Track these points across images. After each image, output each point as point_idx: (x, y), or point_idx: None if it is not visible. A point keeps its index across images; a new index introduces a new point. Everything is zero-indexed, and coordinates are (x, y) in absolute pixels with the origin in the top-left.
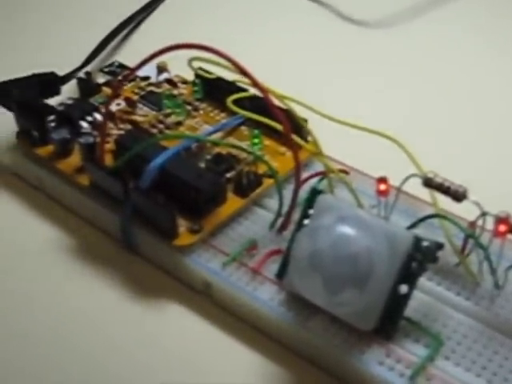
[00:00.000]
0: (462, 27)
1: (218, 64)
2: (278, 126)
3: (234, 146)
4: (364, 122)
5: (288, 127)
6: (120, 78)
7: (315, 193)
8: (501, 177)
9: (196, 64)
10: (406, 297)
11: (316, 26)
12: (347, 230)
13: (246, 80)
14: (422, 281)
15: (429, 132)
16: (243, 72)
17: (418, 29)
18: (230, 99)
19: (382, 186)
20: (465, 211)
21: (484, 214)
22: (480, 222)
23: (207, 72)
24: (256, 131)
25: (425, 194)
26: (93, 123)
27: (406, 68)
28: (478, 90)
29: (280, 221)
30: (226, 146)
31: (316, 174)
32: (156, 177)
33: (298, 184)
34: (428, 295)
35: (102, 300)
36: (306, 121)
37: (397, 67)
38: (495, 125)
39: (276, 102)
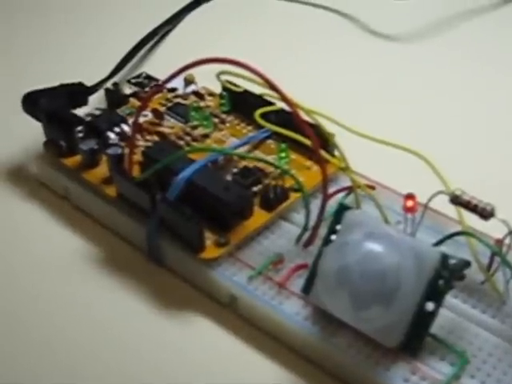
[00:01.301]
0: (492, 40)
1: (246, 78)
2: (306, 141)
3: (260, 160)
4: (391, 137)
5: (317, 142)
6: (149, 90)
7: (343, 208)
8: None
9: (224, 77)
10: (433, 314)
11: (344, 39)
12: (375, 246)
13: (273, 94)
14: (448, 298)
15: (457, 148)
16: (272, 86)
17: (448, 42)
18: (257, 113)
19: (410, 203)
20: (492, 229)
21: (511, 233)
22: (507, 240)
23: (234, 85)
24: (283, 145)
25: (450, 211)
26: (120, 134)
27: (434, 83)
28: (509, 106)
29: (306, 235)
30: (252, 160)
31: (343, 189)
32: (183, 189)
33: (325, 198)
34: (454, 312)
35: (128, 312)
36: (333, 135)
37: (425, 82)
38: None
39: (303, 116)
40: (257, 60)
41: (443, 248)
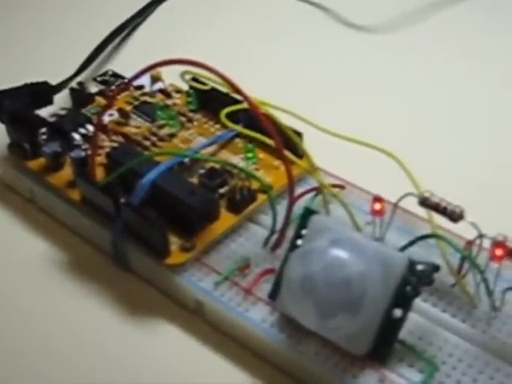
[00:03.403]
0: (466, 32)
1: (209, 79)
2: (271, 141)
3: (223, 163)
4: (362, 135)
5: (280, 142)
6: (113, 89)
7: (308, 212)
8: (500, 197)
9: (188, 77)
10: (401, 321)
11: (318, 31)
12: (340, 253)
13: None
14: (418, 302)
15: (429, 148)
16: (234, 88)
17: (420, 35)
18: (223, 112)
19: (377, 206)
20: (463, 229)
21: (481, 236)
22: (477, 243)
23: (201, 83)
24: (250, 145)
25: (422, 211)
26: (85, 135)
27: (408, 77)
28: (483, 104)
29: (274, 238)
30: (220, 162)
31: (310, 190)
32: (148, 193)
33: (292, 201)
34: (423, 317)
35: (93, 316)
36: (300, 134)
37: (398, 76)
38: (499, 144)
39: (271, 114)
40: (229, 53)
41: (413, 250)
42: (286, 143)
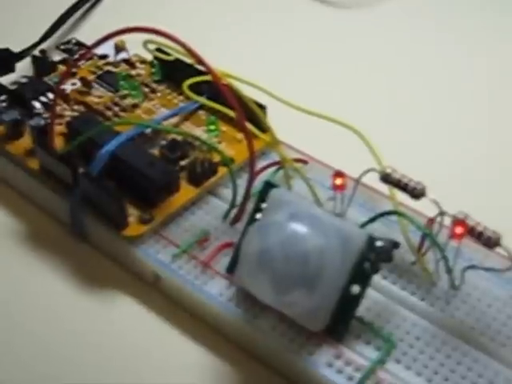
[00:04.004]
0: (438, 7)
1: (174, 50)
2: (233, 114)
3: (185, 134)
4: (328, 110)
5: (241, 115)
6: (75, 57)
7: (268, 186)
8: (464, 175)
9: (152, 46)
10: (358, 297)
11: (283, 5)
12: (298, 227)
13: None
14: (377, 279)
15: (394, 124)
16: (196, 58)
17: (390, 10)
18: (185, 83)
19: (338, 181)
20: (426, 207)
21: (442, 214)
22: (438, 220)
23: (165, 53)
24: (212, 117)
25: (386, 187)
26: (46, 104)
27: (375, 53)
28: (449, 80)
29: (234, 212)
30: (180, 133)
31: (272, 164)
32: (107, 163)
33: (252, 175)
34: (382, 294)
35: (49, 287)
36: (264, 108)
37: (365, 52)
38: (463, 121)
39: (236, 87)
40: (196, 25)
41: (375, 226)
42: (250, 116)
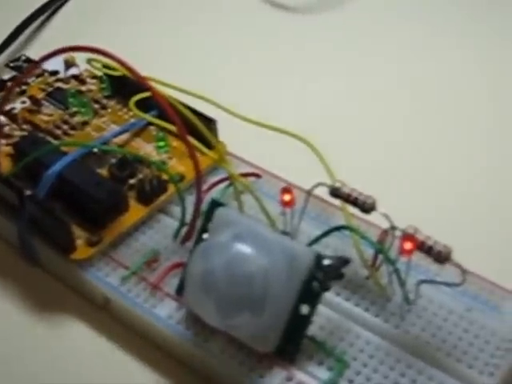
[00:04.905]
0: (397, 14)
1: (114, 68)
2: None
3: (130, 154)
4: (281, 122)
5: (183, 132)
6: (19, 74)
7: (214, 205)
8: (416, 186)
9: (96, 64)
10: (308, 317)
11: (238, 11)
12: (242, 248)
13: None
14: (330, 295)
15: (348, 135)
16: (135, 75)
17: (347, 16)
18: (133, 100)
19: (286, 197)
20: (379, 219)
21: (393, 228)
22: (390, 235)
23: (113, 69)
24: (161, 133)
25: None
26: None
27: (330, 62)
28: (405, 92)
29: (184, 231)
30: (123, 153)
31: (223, 180)
32: (54, 184)
33: (199, 193)
34: (335, 311)
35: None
36: (214, 122)
37: (319, 61)
38: (417, 133)
39: (182, 102)
40: (140, 40)
41: (329, 240)
42: (198, 132)
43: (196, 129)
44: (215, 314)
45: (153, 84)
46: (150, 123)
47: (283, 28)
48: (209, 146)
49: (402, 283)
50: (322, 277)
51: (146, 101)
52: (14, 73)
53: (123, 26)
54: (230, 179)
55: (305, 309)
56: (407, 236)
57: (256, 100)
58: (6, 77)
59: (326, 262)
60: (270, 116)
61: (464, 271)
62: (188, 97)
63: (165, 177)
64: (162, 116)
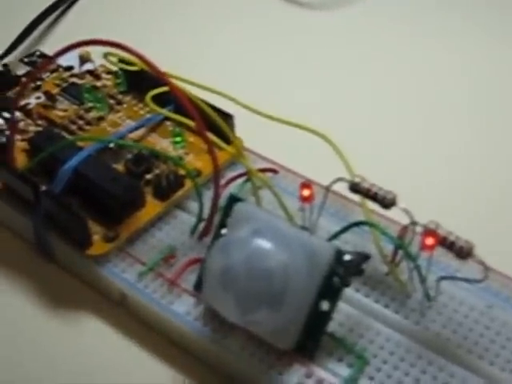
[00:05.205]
0: (408, 11)
1: (131, 62)
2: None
3: (147, 149)
4: (298, 117)
5: (202, 127)
6: (34, 70)
7: (233, 200)
8: (437, 180)
9: (113, 58)
10: (328, 314)
11: (250, 6)
12: (262, 243)
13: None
14: (349, 292)
15: (366, 129)
16: (153, 69)
17: (361, 12)
18: (149, 95)
19: (306, 192)
20: (399, 214)
21: (413, 224)
22: (410, 230)
23: (129, 63)
24: (177, 129)
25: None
26: (8, 120)
27: (348, 57)
28: (423, 86)
29: (201, 226)
30: (140, 148)
31: (240, 175)
32: (70, 180)
33: (217, 189)
34: (355, 308)
35: (13, 308)
36: (231, 117)
37: (337, 56)
38: (435, 129)
39: (199, 97)
40: (157, 35)
41: (348, 236)
42: (215, 127)
43: (214, 124)
44: (235, 309)
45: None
46: (166, 118)
47: (300, 24)
48: (226, 141)
49: (423, 280)
50: (342, 272)
51: (162, 96)
52: (28, 68)
53: (138, 22)
54: (248, 174)
55: (325, 305)
56: (429, 231)
57: (273, 95)
58: (20, 72)
59: (347, 257)
60: (286, 111)
61: (486, 267)
62: (205, 92)
63: (181, 172)
64: (178, 111)
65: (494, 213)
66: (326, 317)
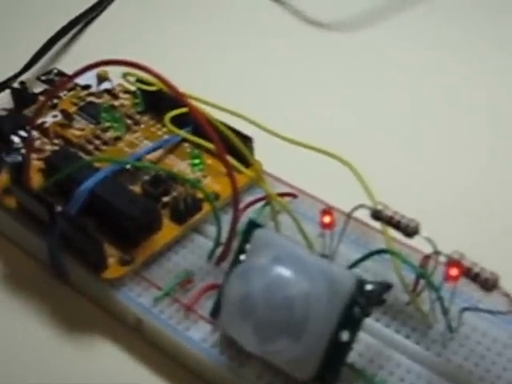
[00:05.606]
0: (427, 33)
1: (149, 82)
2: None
3: (164, 171)
4: (318, 141)
5: (221, 149)
6: (51, 88)
7: (252, 225)
8: (461, 208)
9: (131, 78)
10: (348, 344)
11: (275, 28)
12: (282, 271)
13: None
14: (369, 321)
15: (388, 155)
16: (172, 89)
17: (382, 34)
18: (168, 116)
19: (326, 219)
20: (421, 242)
21: (436, 253)
22: (433, 259)
23: (147, 83)
24: (196, 151)
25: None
26: (25, 138)
27: (370, 80)
28: (450, 113)
29: (219, 251)
30: (158, 170)
31: (259, 199)
32: (86, 201)
33: (236, 213)
34: (375, 338)
35: (28, 331)
36: (250, 139)
37: (359, 79)
38: (459, 157)
39: (218, 119)
40: (174, 53)
41: (368, 264)
42: (234, 150)
43: (233, 146)
44: (253, 338)
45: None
46: (184, 140)
47: (322, 45)
48: (245, 164)
49: (446, 311)
50: (363, 302)
51: (181, 117)
52: (45, 86)
53: (156, 40)
54: (267, 199)
55: (345, 335)
56: (453, 262)
57: (293, 118)
58: (37, 90)
59: (369, 286)
60: (307, 135)
61: (511, 299)
62: (224, 114)
63: (199, 195)
64: (196, 133)
65: None
66: (346, 347)
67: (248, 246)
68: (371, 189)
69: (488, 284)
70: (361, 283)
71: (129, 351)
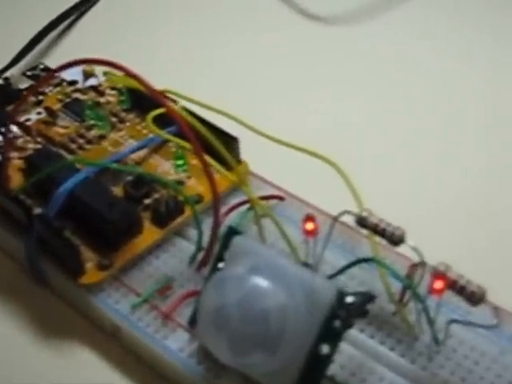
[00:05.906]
0: (425, 29)
1: (127, 82)
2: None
3: (144, 174)
4: (307, 142)
5: (199, 150)
6: (35, 84)
7: (231, 232)
8: (449, 217)
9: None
10: (328, 357)
11: (273, 22)
12: (259, 282)
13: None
14: (353, 332)
15: (378, 158)
16: (150, 90)
17: (380, 29)
18: (150, 116)
19: (309, 226)
20: (408, 250)
21: (422, 264)
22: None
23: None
24: (180, 151)
25: None
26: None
27: (362, 80)
28: (442, 117)
29: (201, 255)
30: (137, 172)
31: (243, 203)
32: (66, 203)
33: (217, 217)
34: (358, 349)
35: (4, 334)
36: (236, 140)
37: (350, 78)
38: (455, 161)
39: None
40: (162, 50)
41: (354, 272)
42: (219, 152)
43: (216, 148)
44: (227, 350)
45: (174, 98)
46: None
47: (314, 40)
48: (230, 166)
49: (431, 322)
50: (344, 315)
51: (166, 116)
52: (31, 82)
53: (145, 37)
54: (251, 203)
55: (325, 348)
56: (438, 274)
57: (282, 118)
58: (23, 86)
59: (349, 299)
60: (296, 135)
61: (499, 313)
62: (211, 113)
63: (182, 197)
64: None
65: (509, 253)
66: (326, 360)
67: (227, 254)
68: (359, 191)
69: (474, 297)
70: (341, 295)
71: (106, 358)
